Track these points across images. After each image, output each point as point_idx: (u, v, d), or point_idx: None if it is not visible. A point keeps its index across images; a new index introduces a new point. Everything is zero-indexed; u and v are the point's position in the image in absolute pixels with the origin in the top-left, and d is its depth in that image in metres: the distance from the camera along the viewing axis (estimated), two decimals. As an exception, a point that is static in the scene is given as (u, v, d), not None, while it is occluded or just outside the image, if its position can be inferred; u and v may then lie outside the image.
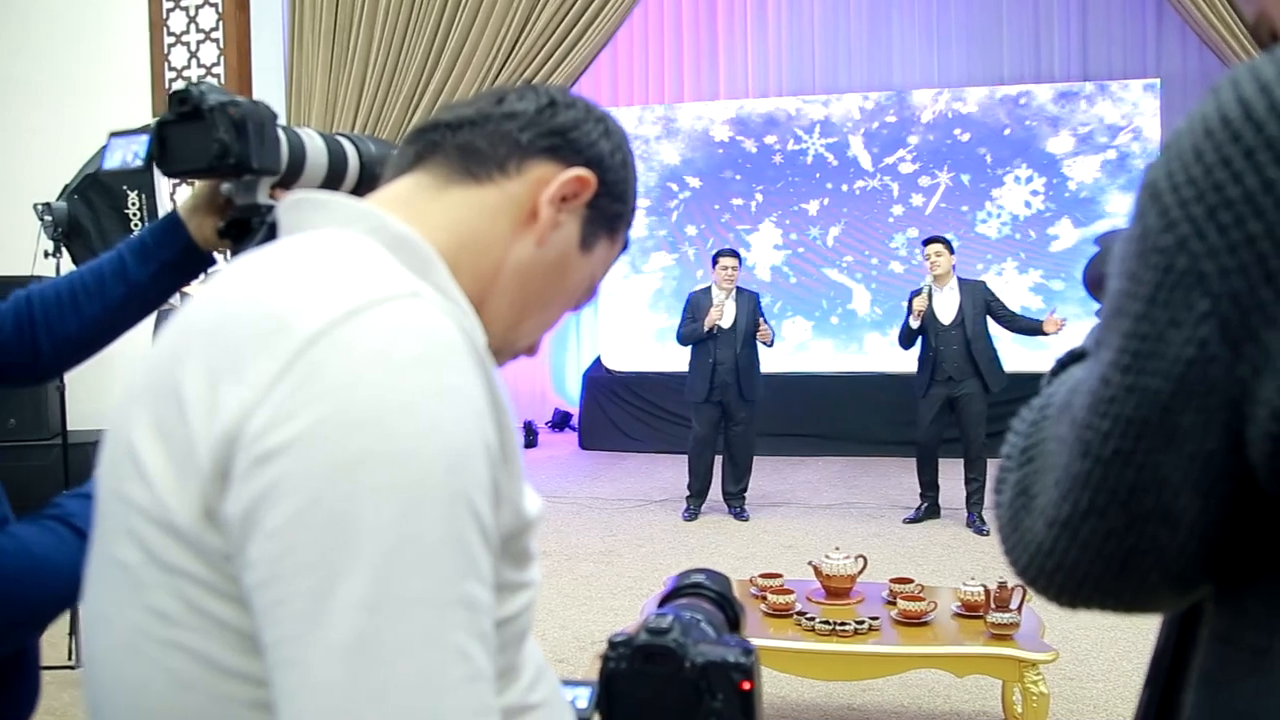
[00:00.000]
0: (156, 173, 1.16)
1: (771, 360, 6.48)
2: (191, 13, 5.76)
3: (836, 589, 3.15)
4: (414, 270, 0.71)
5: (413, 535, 0.59)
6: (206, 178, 1.17)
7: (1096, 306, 0.64)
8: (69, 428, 4.02)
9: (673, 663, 0.80)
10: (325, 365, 0.61)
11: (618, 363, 9.17)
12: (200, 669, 0.64)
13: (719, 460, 6.17)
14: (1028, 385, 0.95)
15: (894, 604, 3.03)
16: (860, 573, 3.19)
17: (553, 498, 6.58)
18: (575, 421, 9.29)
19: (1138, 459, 0.56)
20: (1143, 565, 0.58)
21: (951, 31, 8.81)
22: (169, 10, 5.77)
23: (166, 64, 5.74)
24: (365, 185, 1.19)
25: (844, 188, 8.88)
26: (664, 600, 0.95)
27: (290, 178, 1.15)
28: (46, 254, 3.36)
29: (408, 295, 0.66)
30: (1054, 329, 5.56)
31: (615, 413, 8.81)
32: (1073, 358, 0.70)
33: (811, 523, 5.90)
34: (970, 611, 2.98)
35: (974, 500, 5.66)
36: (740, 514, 6.05)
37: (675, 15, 9.43)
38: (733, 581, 1.00)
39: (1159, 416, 0.55)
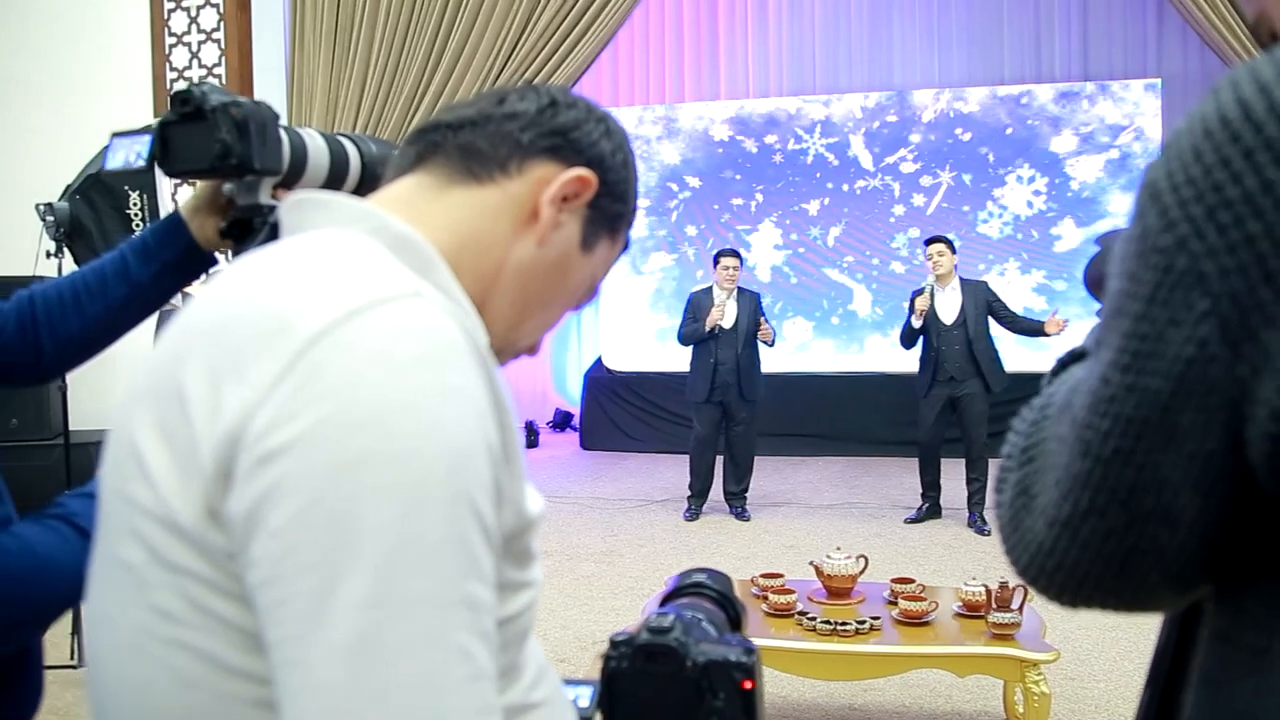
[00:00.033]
0: (158, 173, 1.16)
1: (772, 360, 6.47)
2: (193, 13, 5.76)
3: (838, 589, 3.15)
4: (416, 270, 0.71)
5: (414, 535, 0.59)
6: (209, 178, 1.17)
7: (1097, 307, 0.64)
8: (71, 428, 4.01)
9: (674, 662, 0.80)
10: (327, 365, 0.61)
11: (619, 363, 9.17)
12: (204, 668, 0.64)
13: (720, 460, 6.16)
14: (1029, 385, 0.95)
15: (895, 604, 3.03)
16: (861, 573, 3.19)
17: (554, 498, 6.58)
18: (576, 421, 9.29)
19: (1138, 458, 0.56)
20: (1143, 565, 0.58)
21: (952, 31, 8.81)
22: (170, 10, 5.77)
23: (168, 64, 5.74)
24: (367, 185, 1.19)
25: (845, 188, 8.87)
26: (665, 600, 0.95)
27: (292, 178, 1.15)
28: (48, 254, 3.36)
29: (409, 295, 0.66)
30: (1056, 330, 5.54)
31: (616, 413, 8.81)
32: (1073, 357, 0.70)
33: (813, 523, 5.90)
34: (971, 611, 2.98)
35: (975, 500, 5.65)
36: (741, 514, 6.05)
37: (676, 15, 9.43)
38: (734, 581, 1.00)
39: (1159, 416, 0.55)
